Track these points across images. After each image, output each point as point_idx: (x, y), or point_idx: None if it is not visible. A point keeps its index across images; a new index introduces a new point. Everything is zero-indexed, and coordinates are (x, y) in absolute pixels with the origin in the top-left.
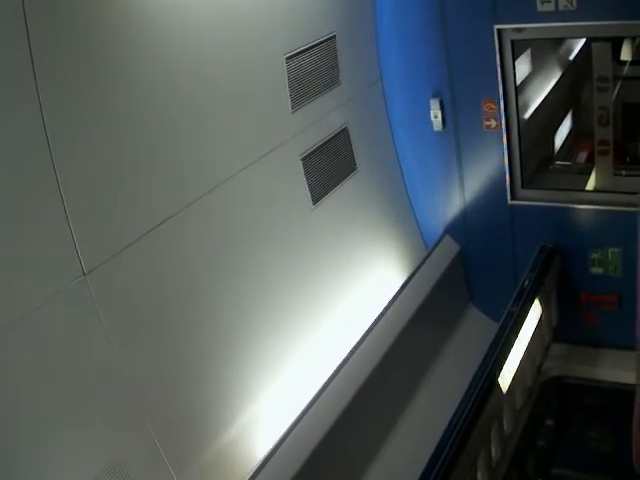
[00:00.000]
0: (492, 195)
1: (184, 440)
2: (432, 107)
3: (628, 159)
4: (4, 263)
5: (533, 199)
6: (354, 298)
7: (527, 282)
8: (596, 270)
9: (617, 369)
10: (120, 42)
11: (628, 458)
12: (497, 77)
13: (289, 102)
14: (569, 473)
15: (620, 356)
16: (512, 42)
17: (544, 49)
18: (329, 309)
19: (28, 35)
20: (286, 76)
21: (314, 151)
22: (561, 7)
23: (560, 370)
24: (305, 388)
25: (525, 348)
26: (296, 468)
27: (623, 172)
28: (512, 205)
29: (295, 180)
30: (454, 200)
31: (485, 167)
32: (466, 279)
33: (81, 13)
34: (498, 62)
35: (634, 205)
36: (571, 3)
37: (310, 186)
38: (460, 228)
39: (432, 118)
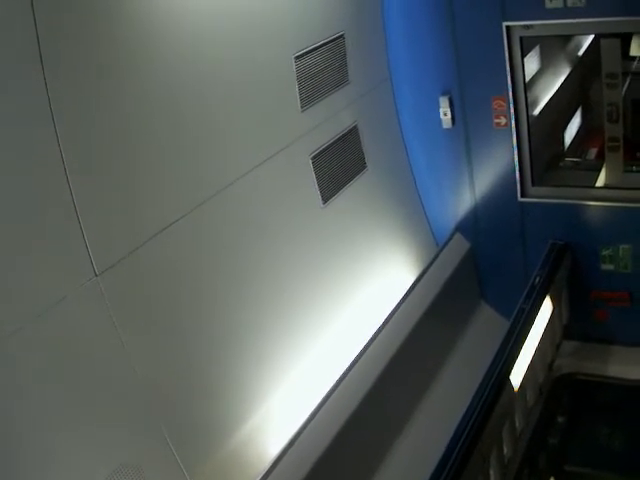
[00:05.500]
0: (502, 192)
1: (197, 440)
2: (441, 105)
3: (638, 155)
4: (16, 265)
5: (543, 196)
6: (365, 296)
7: (538, 279)
8: (607, 267)
9: (629, 366)
10: (128, 43)
11: None
12: (506, 74)
13: (298, 101)
14: (581, 470)
15: (632, 353)
16: (521, 39)
17: (553, 46)
18: (340, 307)
19: (37, 33)
20: (295, 75)
21: (324, 150)
22: (570, 4)
23: (571, 367)
24: (317, 386)
25: (536, 345)
26: (309, 466)
27: (633, 168)
28: (522, 202)
29: (305, 179)
30: (464, 198)
31: (495, 164)
32: (477, 276)
33: (89, 10)
34: (507, 59)
35: None
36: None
37: (320, 185)
38: (471, 225)
39: (442, 116)
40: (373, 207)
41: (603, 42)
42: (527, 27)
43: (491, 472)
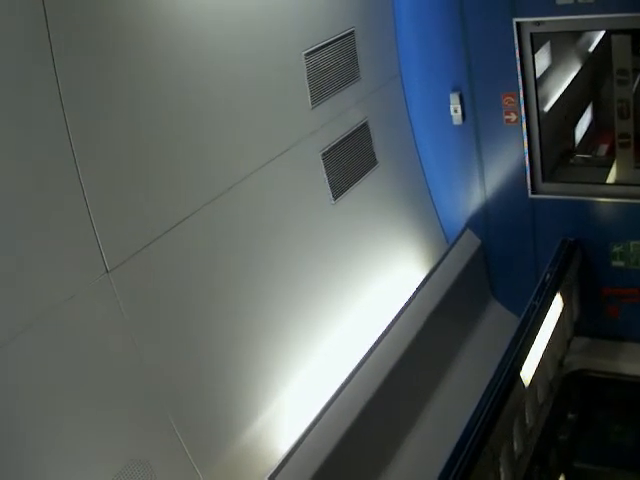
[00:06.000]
0: (513, 189)
1: (208, 436)
2: (452, 101)
3: None
4: (27, 261)
5: (554, 192)
6: (376, 293)
7: (548, 276)
8: (617, 263)
9: (639, 362)
10: (137, 39)
11: None
12: (516, 70)
13: (309, 98)
14: (591, 467)
15: None
16: (531, 35)
17: (563, 42)
18: (351, 304)
19: (49, 33)
20: (305, 72)
21: (334, 147)
22: (580, 0)
23: (582, 364)
24: (327, 383)
25: (547, 342)
26: (320, 461)
27: None
28: (533, 199)
29: (315, 176)
30: (475, 194)
31: (505, 161)
32: (487, 273)
33: (99, 8)
34: (517, 55)
35: None
36: None
37: (331, 182)
38: (481, 222)
39: (452, 112)
40: (383, 204)
41: (614, 38)
42: (537, 23)
43: (501, 469)
